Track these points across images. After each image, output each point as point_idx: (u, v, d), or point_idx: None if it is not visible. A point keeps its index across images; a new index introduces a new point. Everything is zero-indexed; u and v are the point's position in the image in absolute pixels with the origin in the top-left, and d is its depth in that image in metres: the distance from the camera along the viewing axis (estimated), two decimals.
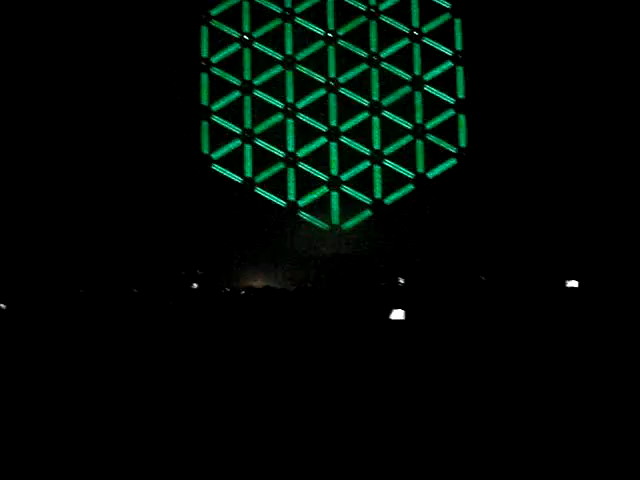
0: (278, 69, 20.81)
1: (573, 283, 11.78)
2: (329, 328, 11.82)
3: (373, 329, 11.51)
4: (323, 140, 20.70)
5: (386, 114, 20.76)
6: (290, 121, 20.70)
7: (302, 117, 20.75)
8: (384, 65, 20.86)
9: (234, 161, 20.64)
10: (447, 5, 20.87)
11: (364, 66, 20.85)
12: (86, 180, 19.67)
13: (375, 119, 20.73)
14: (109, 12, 19.84)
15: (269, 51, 20.84)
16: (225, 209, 20.20)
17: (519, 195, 19.94)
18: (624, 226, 19.30)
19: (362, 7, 20.98)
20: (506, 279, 16.02)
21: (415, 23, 20.88)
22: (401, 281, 15.82)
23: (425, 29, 20.86)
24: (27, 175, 19.48)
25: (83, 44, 19.73)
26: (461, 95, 20.73)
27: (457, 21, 20.81)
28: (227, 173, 20.60)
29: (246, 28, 20.85)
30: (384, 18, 20.93)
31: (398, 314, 10.22)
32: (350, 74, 20.83)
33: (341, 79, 20.84)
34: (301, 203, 20.63)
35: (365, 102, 20.79)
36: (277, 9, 20.92)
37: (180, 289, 16.26)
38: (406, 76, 20.81)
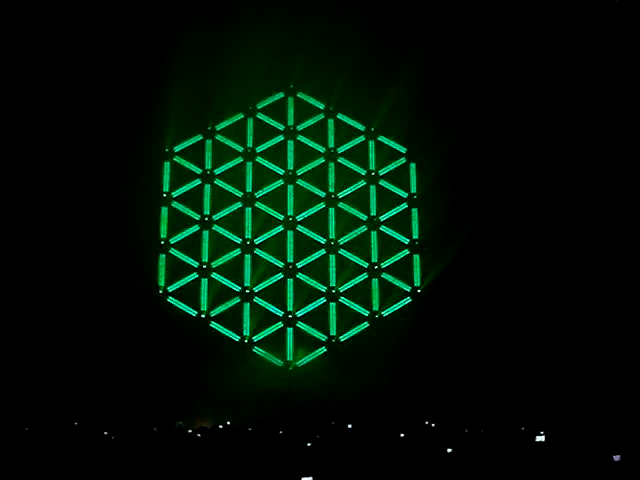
0: (238, 205, 21.21)
1: (541, 437, 11.48)
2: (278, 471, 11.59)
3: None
4: (280, 276, 20.91)
5: (342, 252, 21.12)
6: (247, 256, 20.93)
7: (259, 252, 21.00)
8: (341, 205, 21.40)
9: (190, 294, 20.65)
10: (402, 150, 21.69)
11: (321, 205, 21.36)
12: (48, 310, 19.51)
13: (332, 257, 21.06)
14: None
15: (229, 188, 21.29)
16: (179, 342, 19.99)
17: (472, 333, 20.13)
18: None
19: (321, 149, 21.70)
20: (455, 423, 15.95)
21: (372, 166, 21.61)
22: (349, 426, 15.77)
23: (381, 172, 21.59)
24: None
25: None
26: (415, 235, 21.25)
27: (412, 165, 21.58)
28: (182, 306, 20.57)
29: (208, 165, 21.37)
30: (341, 160, 21.65)
31: None
32: (308, 212, 21.30)
33: (299, 217, 21.28)
34: (256, 338, 20.60)
35: (322, 240, 21.17)
36: (239, 148, 21.53)
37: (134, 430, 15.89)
38: (362, 216, 21.34)
